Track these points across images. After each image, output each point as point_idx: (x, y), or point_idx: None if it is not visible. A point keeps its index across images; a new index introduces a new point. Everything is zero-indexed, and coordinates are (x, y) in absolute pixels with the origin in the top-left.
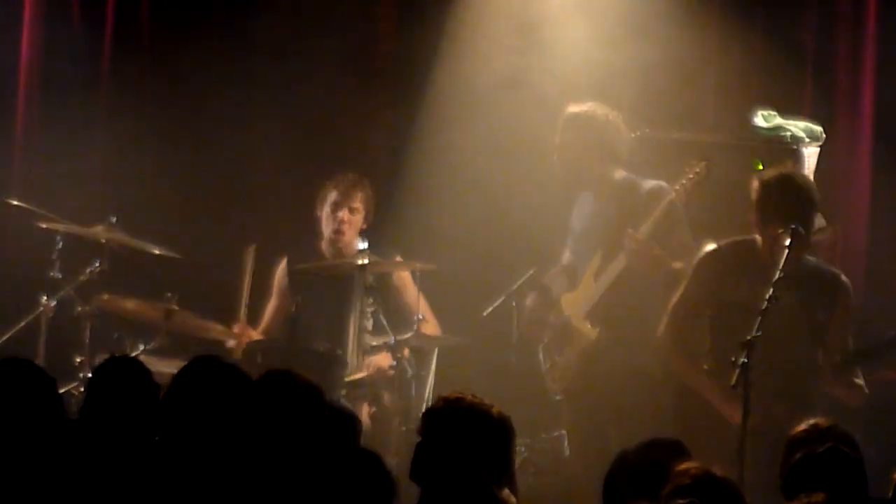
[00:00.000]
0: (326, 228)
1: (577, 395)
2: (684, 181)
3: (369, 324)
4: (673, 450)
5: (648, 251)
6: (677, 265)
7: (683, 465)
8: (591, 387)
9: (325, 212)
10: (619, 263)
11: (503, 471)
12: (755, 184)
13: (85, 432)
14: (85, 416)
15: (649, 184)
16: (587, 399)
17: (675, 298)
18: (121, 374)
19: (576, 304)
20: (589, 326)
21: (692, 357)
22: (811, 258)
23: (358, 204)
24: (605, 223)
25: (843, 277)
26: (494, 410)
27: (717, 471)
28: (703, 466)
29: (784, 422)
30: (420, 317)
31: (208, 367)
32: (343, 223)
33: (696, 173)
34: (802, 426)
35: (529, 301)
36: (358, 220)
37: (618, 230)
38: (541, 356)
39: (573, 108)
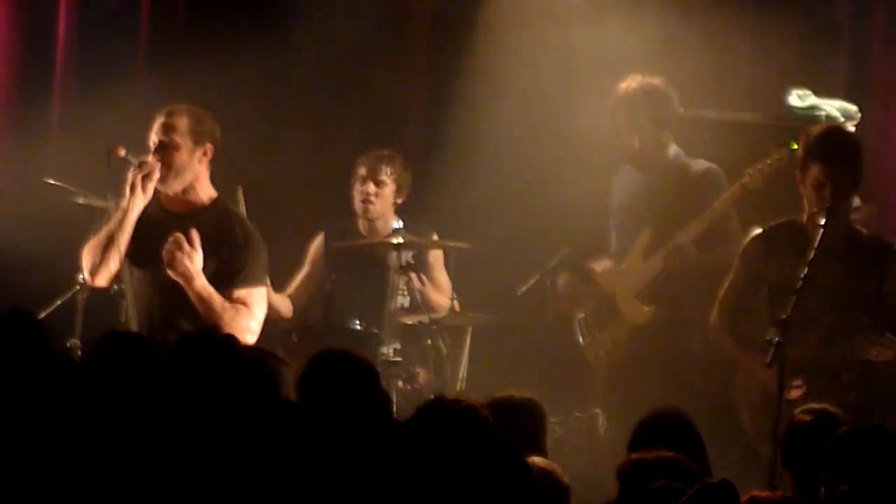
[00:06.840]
0: (356, 202)
1: (626, 373)
2: (761, 166)
3: (405, 302)
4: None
5: (686, 254)
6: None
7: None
8: (642, 365)
9: (355, 187)
10: (658, 264)
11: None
12: (801, 138)
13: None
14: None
15: (701, 165)
16: (636, 377)
17: (724, 286)
18: (121, 348)
19: (621, 281)
20: (641, 305)
21: (743, 340)
22: (862, 229)
23: (385, 177)
24: (655, 200)
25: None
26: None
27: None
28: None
29: (826, 393)
30: (454, 296)
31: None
32: (369, 195)
33: (777, 160)
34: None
35: (562, 280)
36: (387, 193)
37: (668, 209)
38: (578, 330)
39: (630, 83)
